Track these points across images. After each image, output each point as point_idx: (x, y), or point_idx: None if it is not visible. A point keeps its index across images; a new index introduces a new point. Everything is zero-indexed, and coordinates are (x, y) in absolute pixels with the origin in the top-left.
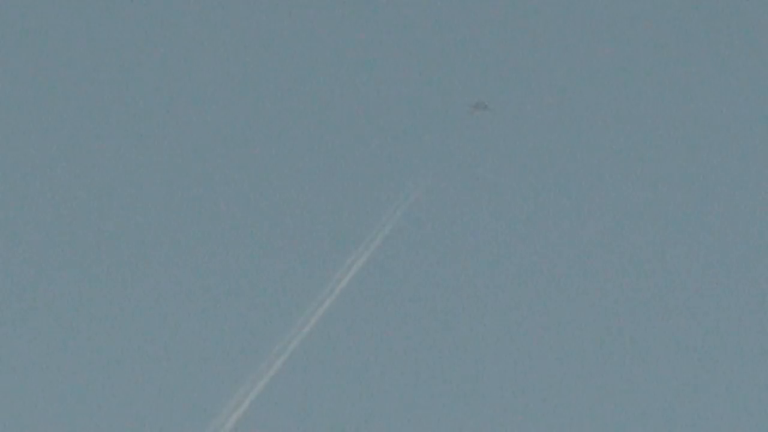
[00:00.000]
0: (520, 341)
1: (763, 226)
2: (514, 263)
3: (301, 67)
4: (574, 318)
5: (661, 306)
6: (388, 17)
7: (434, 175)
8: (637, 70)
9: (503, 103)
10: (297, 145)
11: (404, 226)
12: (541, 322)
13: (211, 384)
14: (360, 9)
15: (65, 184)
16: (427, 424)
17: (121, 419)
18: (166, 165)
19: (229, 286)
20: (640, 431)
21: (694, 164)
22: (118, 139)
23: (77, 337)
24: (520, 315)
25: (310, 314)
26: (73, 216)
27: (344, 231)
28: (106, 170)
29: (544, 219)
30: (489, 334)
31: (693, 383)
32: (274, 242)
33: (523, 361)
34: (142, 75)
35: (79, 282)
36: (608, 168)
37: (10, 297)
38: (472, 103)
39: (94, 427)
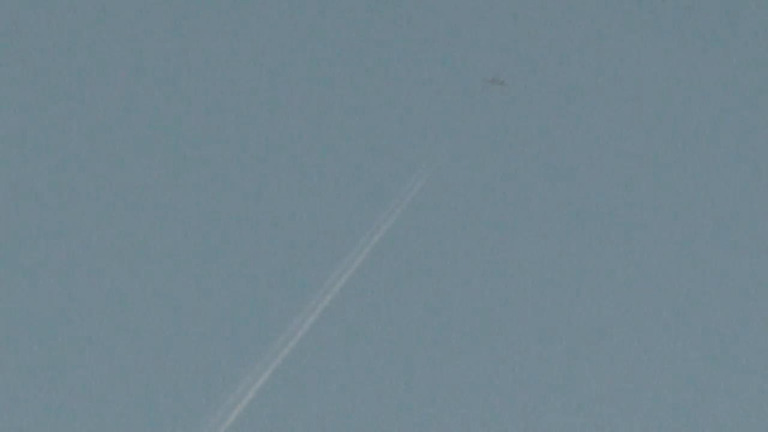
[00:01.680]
0: (532, 336)
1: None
2: (525, 253)
3: (307, 52)
4: (592, 305)
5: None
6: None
7: (444, 159)
8: (658, 49)
9: (520, 79)
10: (302, 135)
11: (415, 208)
12: (558, 312)
13: (212, 381)
14: None
15: (68, 183)
16: (434, 424)
17: (117, 419)
18: (166, 164)
19: (230, 281)
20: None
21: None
22: (130, 138)
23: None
24: (535, 307)
25: (319, 299)
26: (80, 214)
27: (348, 221)
28: (113, 169)
29: (555, 208)
30: (499, 328)
31: (692, 383)
32: (276, 235)
33: (540, 358)
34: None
35: (82, 277)
36: (624, 148)
37: (11, 294)
38: (487, 78)
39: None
